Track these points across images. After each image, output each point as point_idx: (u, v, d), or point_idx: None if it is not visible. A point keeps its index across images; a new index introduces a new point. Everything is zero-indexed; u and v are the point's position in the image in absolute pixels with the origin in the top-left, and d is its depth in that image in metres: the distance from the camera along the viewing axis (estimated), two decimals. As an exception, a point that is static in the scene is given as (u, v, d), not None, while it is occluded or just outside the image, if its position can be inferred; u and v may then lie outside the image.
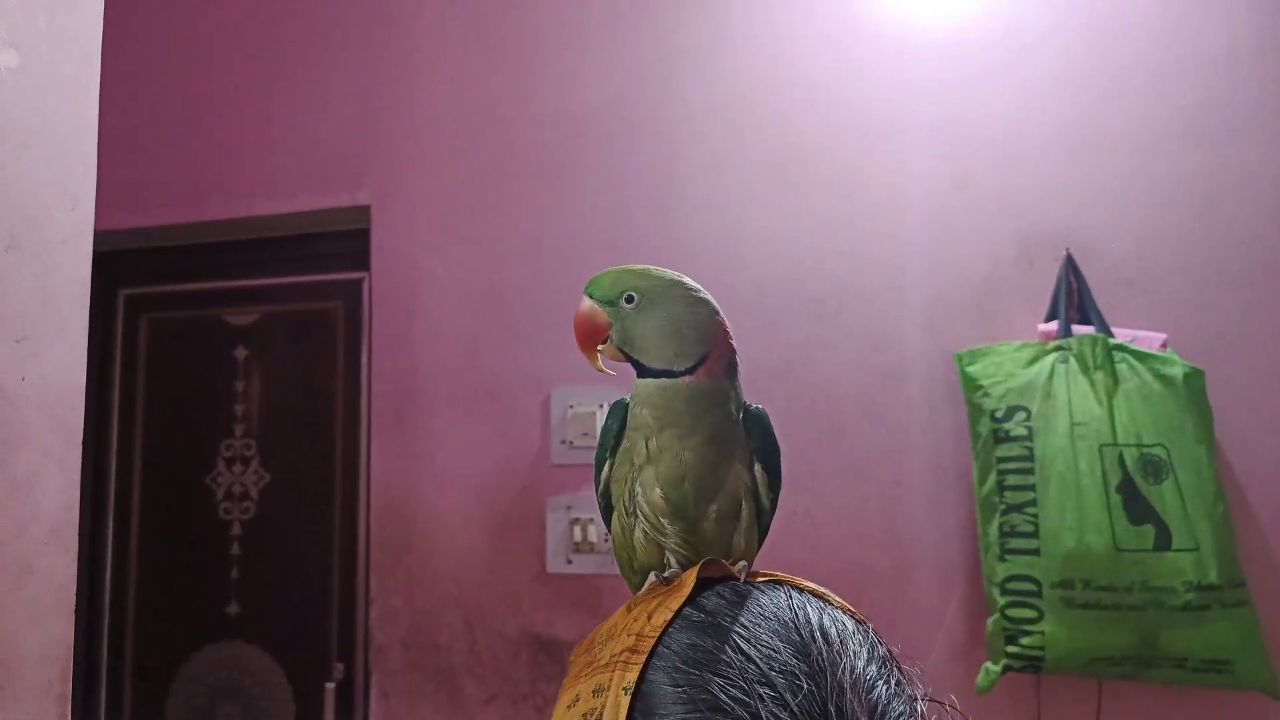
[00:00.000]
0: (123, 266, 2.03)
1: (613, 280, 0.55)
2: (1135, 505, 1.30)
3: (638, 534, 0.54)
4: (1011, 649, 1.32)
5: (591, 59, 1.77)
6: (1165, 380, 1.36)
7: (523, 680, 1.64)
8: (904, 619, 1.51)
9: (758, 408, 0.56)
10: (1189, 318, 1.47)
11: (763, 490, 0.55)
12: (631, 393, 0.55)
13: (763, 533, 0.56)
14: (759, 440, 0.55)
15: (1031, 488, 1.34)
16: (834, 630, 0.43)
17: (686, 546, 0.53)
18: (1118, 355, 1.38)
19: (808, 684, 0.39)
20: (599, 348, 0.56)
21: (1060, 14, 1.58)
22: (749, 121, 1.68)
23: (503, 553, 1.68)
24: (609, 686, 0.42)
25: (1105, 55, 1.56)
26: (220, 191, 1.92)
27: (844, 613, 0.46)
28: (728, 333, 0.55)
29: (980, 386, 1.43)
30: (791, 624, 0.43)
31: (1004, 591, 1.34)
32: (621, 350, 0.55)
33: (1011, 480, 1.37)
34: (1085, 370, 1.38)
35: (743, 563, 0.52)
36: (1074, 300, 1.49)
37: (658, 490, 0.52)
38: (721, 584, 0.48)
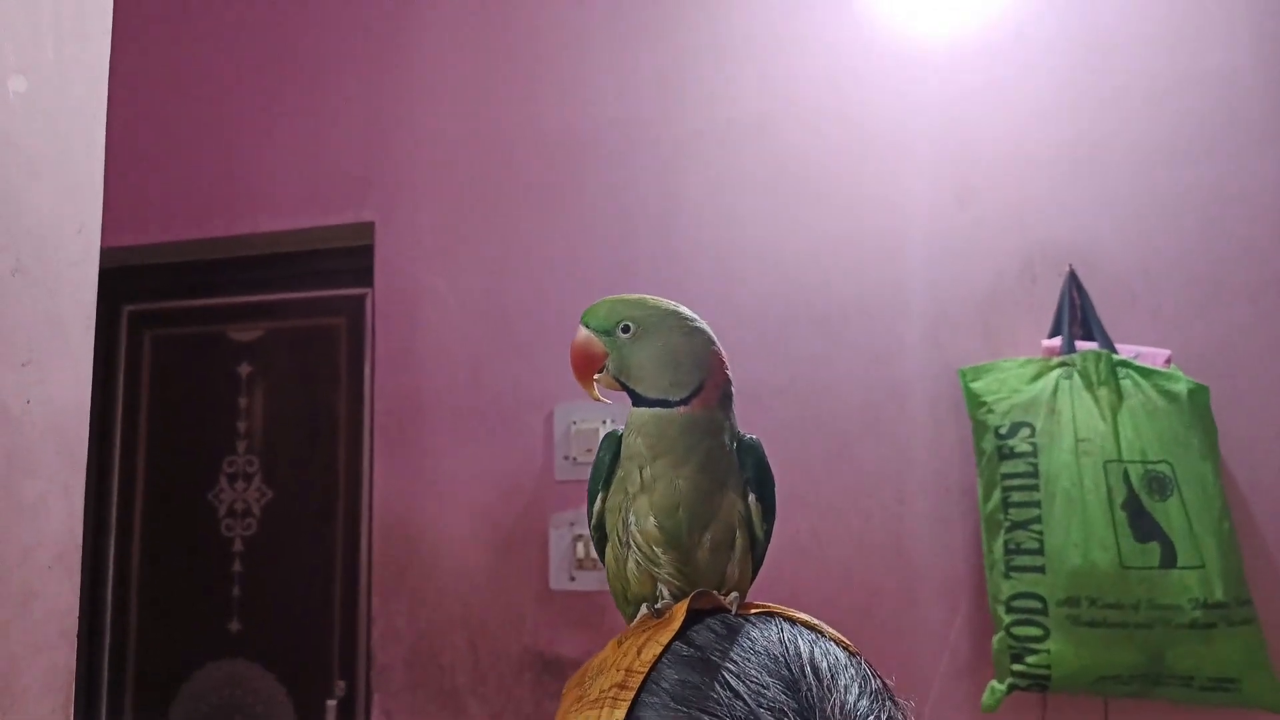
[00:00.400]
0: (126, 283, 2.03)
1: (608, 310, 0.55)
2: (1140, 522, 1.29)
3: (631, 564, 0.54)
4: (1017, 667, 1.31)
5: (594, 78, 1.78)
6: (1170, 396, 1.35)
7: (526, 700, 1.63)
8: (909, 636, 1.50)
9: (752, 438, 0.56)
10: (1193, 333, 1.46)
11: (756, 521, 0.55)
12: (626, 422, 0.55)
13: (756, 564, 0.56)
14: (753, 470, 0.55)
15: (1036, 504, 1.34)
16: (825, 664, 0.43)
17: (680, 576, 0.52)
18: (1122, 371, 1.38)
19: None
20: (595, 377, 0.56)
21: (1062, 29, 1.59)
22: (751, 139, 1.69)
23: (506, 570, 1.67)
24: None
25: (1108, 70, 1.56)
26: (224, 208, 1.93)
27: (837, 645, 0.46)
28: (723, 362, 0.55)
29: (984, 403, 1.43)
30: (781, 658, 0.42)
31: (1009, 609, 1.33)
32: (617, 379, 0.55)
33: (1016, 497, 1.36)
34: (1089, 386, 1.37)
35: (734, 594, 0.51)
36: (1077, 316, 1.48)
37: (652, 519, 0.52)
38: (713, 616, 0.48)
